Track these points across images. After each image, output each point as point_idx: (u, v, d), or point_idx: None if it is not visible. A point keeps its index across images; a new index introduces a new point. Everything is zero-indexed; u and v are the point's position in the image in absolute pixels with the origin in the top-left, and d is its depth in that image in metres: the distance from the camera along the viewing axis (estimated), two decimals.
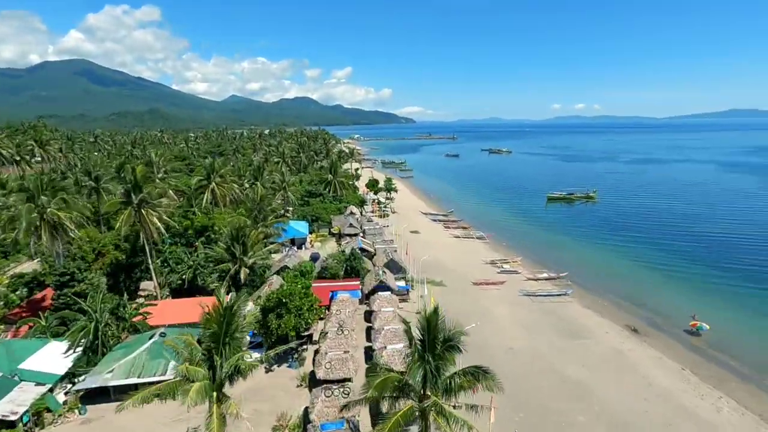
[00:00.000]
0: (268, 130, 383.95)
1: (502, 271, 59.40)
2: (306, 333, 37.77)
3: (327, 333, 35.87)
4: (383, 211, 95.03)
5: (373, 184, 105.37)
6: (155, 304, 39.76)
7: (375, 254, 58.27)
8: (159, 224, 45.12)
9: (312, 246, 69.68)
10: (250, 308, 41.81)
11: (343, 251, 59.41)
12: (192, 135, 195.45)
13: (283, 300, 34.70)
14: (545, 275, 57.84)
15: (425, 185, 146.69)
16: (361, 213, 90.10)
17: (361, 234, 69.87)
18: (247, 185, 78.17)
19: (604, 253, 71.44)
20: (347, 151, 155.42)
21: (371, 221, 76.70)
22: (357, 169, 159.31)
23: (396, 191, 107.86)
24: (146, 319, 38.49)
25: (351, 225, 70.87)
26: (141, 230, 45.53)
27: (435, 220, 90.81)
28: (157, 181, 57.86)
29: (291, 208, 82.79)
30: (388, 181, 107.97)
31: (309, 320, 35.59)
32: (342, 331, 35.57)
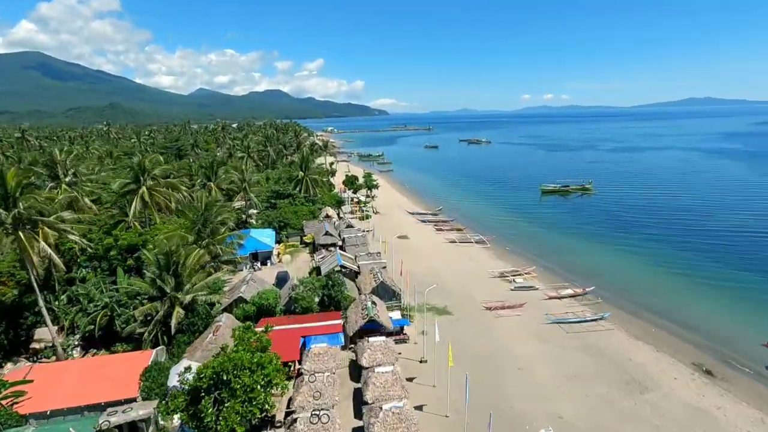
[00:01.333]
0: (236, 124, 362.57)
1: (516, 287, 48.19)
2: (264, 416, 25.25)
3: (296, 419, 23.51)
4: (364, 212, 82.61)
5: (351, 181, 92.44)
6: (30, 381, 26.10)
7: (359, 273, 45.98)
8: (49, 249, 31.34)
9: (280, 261, 56.69)
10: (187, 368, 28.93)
11: (318, 268, 46.89)
12: (148, 130, 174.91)
13: (224, 377, 22.03)
14: (569, 291, 47.05)
15: (407, 179, 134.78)
16: (338, 215, 77.40)
17: (340, 243, 57.41)
18: (199, 187, 64.21)
19: (623, 257, 61.44)
20: (320, 143, 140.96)
21: (351, 227, 64.22)
22: (332, 164, 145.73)
23: (377, 187, 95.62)
24: (15, 404, 25.02)
25: (327, 233, 58.15)
26: (25, 259, 31.64)
27: (424, 221, 79.06)
28: (64, 186, 43.46)
29: (255, 212, 69.39)
30: (368, 176, 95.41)
31: (266, 404, 22.99)
32: (318, 418, 23.28)
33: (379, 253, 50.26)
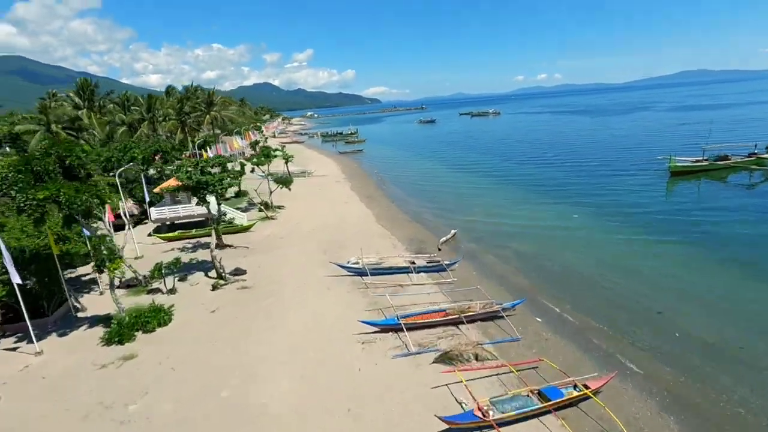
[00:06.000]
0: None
1: None
2: None
3: None
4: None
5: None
6: None
7: None
8: None
9: None
10: None
11: None
12: None
13: None
14: None
15: (384, 165, 74.56)
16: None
17: None
18: None
19: None
20: (215, 101, 75.28)
21: None
22: (258, 144, 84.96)
23: (287, 187, 35.09)
24: None
25: None
26: None
27: (402, 326, 18.85)
28: None
29: None
30: (234, 175, 34.54)
31: None
32: None
33: None
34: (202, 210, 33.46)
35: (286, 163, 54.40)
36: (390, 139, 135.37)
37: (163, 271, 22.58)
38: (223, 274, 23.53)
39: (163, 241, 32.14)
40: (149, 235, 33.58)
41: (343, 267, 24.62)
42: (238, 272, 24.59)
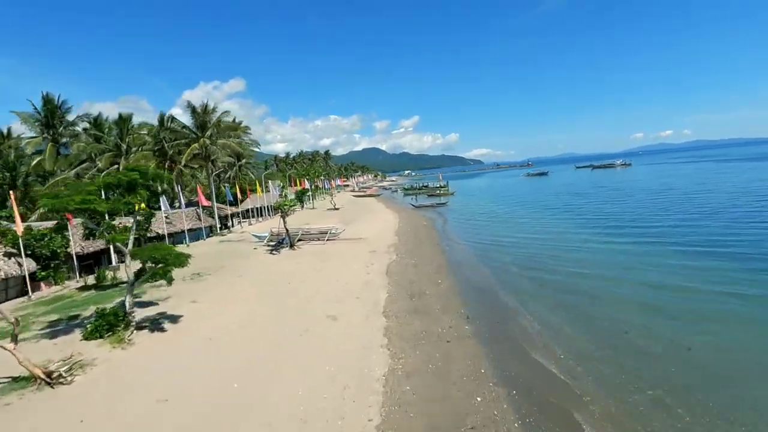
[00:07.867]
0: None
1: None
2: None
3: None
4: None
5: None
6: None
7: None
8: None
9: None
10: None
11: None
12: None
13: None
14: None
15: (467, 225, 47.01)
16: None
17: None
18: None
19: None
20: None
21: None
22: (306, 193, 64.27)
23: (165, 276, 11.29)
24: None
25: None
26: None
27: None
28: None
29: None
30: None
31: None
32: None
33: None
34: None
35: (283, 217, 30.50)
36: (486, 192, 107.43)
37: None
38: None
39: None
40: None
41: None
42: None
